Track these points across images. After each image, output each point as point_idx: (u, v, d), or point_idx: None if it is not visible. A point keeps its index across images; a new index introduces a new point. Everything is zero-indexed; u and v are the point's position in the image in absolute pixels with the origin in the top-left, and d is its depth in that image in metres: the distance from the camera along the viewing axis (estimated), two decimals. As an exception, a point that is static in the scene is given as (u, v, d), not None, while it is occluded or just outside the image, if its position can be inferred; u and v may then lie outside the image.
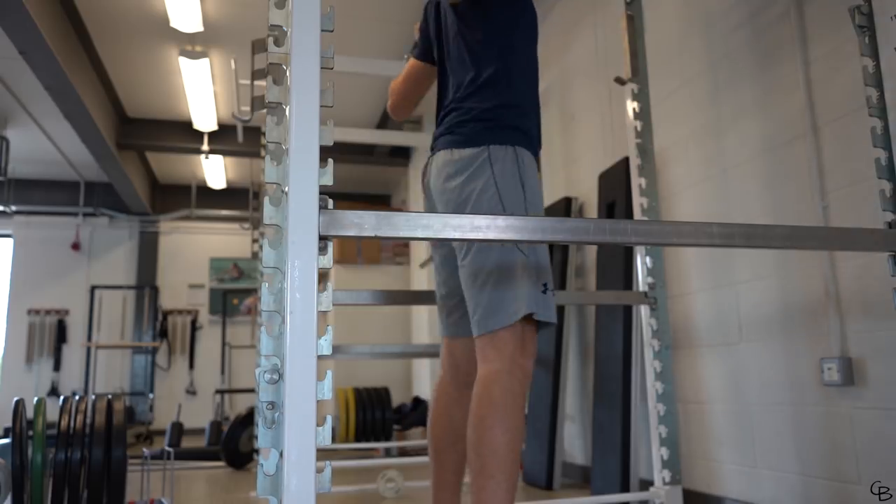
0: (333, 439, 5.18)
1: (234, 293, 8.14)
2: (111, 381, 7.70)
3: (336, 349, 3.26)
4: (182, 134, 6.34)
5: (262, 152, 3.77)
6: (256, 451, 3.88)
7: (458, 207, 1.52)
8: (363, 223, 1.07)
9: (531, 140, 1.59)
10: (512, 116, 1.56)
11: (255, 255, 5.36)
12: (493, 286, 1.46)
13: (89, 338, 7.46)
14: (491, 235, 1.16)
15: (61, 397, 2.35)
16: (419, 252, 6.08)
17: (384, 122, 6.07)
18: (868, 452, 1.80)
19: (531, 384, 3.42)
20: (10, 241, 7.87)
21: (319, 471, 0.94)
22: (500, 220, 1.17)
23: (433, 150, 1.65)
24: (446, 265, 1.67)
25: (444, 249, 1.67)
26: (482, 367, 1.44)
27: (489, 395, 1.38)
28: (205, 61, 4.98)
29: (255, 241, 5.88)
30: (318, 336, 0.97)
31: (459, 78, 1.62)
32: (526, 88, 1.61)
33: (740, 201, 2.30)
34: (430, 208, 1.65)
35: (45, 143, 6.50)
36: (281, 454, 0.94)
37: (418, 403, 5.82)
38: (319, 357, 0.97)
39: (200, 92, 5.44)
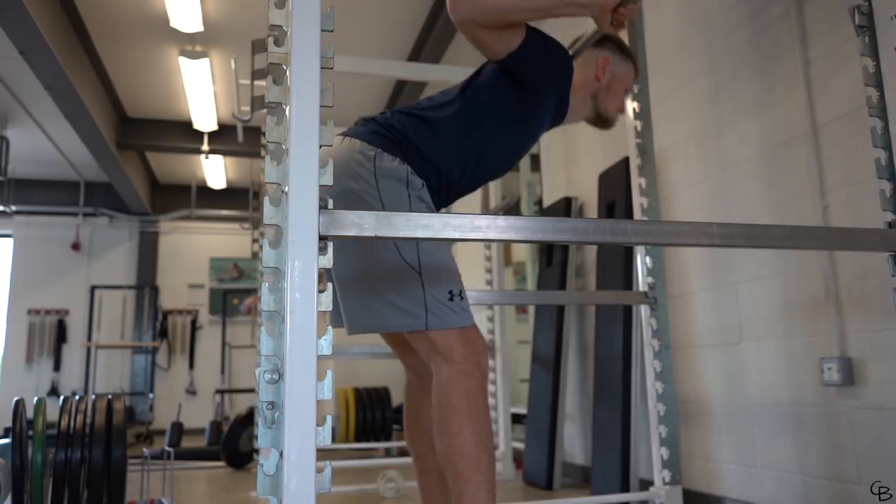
0: (333, 439, 5.18)
1: (234, 293, 8.14)
2: (111, 381, 7.70)
3: (336, 349, 3.26)
4: (182, 134, 6.34)
5: (262, 152, 3.77)
6: (256, 451, 3.88)
7: (339, 201, 1.42)
8: (363, 223, 1.07)
9: (428, 174, 1.48)
10: (414, 158, 1.47)
11: (255, 255, 5.36)
12: (380, 295, 1.39)
13: (89, 338, 7.46)
14: (491, 235, 1.16)
15: (61, 397, 2.35)
16: (419, 252, 6.06)
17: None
18: (868, 452, 1.80)
19: (531, 384, 3.42)
20: (10, 240, 7.87)
21: (319, 471, 0.94)
22: (500, 220, 1.17)
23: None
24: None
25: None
26: (434, 372, 1.40)
27: (449, 401, 1.34)
28: (205, 61, 4.98)
29: (255, 241, 5.88)
30: (318, 336, 0.97)
31: (429, 101, 1.56)
32: (458, 165, 1.51)
33: (740, 201, 2.30)
34: None
35: (45, 142, 6.50)
36: (281, 454, 0.94)
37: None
38: (319, 357, 0.97)
39: (200, 92, 5.44)
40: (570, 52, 1.68)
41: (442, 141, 1.50)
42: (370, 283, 1.42)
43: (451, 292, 1.40)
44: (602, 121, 1.71)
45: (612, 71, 1.68)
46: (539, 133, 1.64)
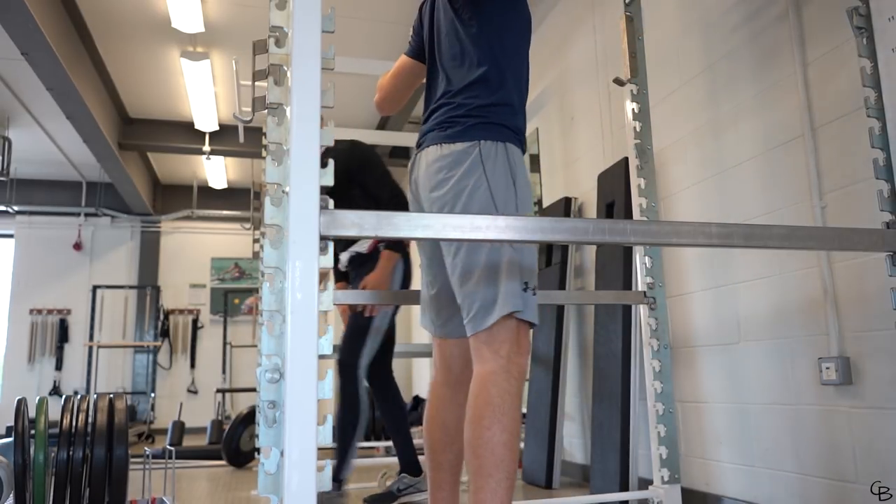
0: (334, 438, 5.18)
1: (236, 293, 8.14)
2: (113, 381, 7.71)
3: (336, 349, 3.27)
4: (183, 134, 6.35)
5: (263, 153, 3.77)
6: (257, 450, 3.88)
7: (449, 204, 1.51)
8: (363, 223, 1.08)
9: (520, 138, 1.60)
10: (503, 114, 1.56)
11: (256, 255, 5.37)
12: (485, 284, 1.45)
13: (91, 337, 7.47)
14: (491, 235, 1.17)
15: (63, 396, 2.36)
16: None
17: (384, 123, 6.08)
18: (866, 452, 1.81)
19: (531, 383, 3.42)
20: (12, 241, 7.88)
21: (320, 469, 0.95)
22: (500, 220, 1.18)
23: (420, 145, 1.64)
24: (433, 265, 1.66)
25: (430, 250, 1.66)
26: (478, 366, 1.43)
27: (486, 395, 1.38)
28: (206, 62, 4.99)
29: (256, 240, 5.89)
30: (318, 335, 0.98)
31: (450, 73, 1.62)
32: (517, 88, 1.61)
33: (739, 201, 2.30)
34: (418, 206, 1.64)
35: (47, 143, 6.51)
36: (282, 453, 0.95)
37: (418, 402, 5.83)
38: (320, 356, 0.98)
39: (201, 92, 5.45)
40: None
41: (499, 83, 1.57)
42: (485, 278, 1.47)
43: (527, 283, 1.46)
44: None
45: None
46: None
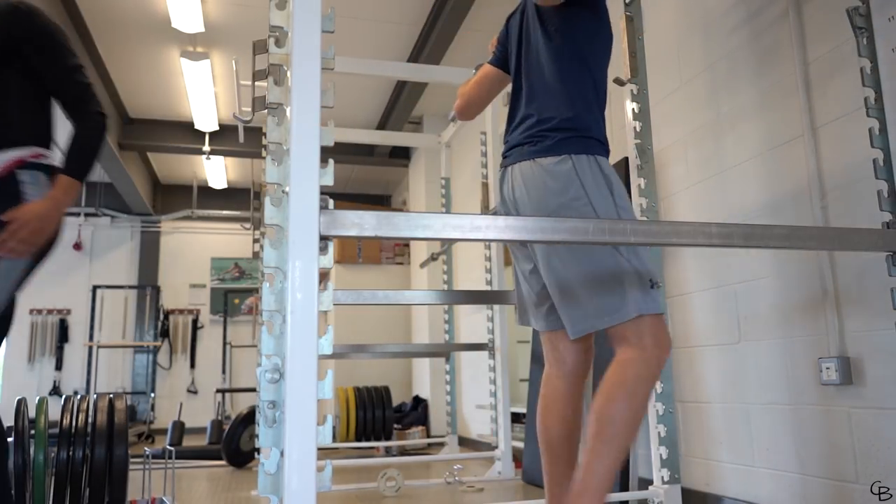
0: (334, 438, 5.19)
1: (236, 293, 8.15)
2: (113, 381, 7.71)
3: (336, 349, 3.27)
4: (183, 134, 6.36)
5: (263, 153, 3.78)
6: (257, 450, 3.89)
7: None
8: (363, 223, 1.08)
9: (606, 147, 1.62)
10: (588, 123, 1.58)
11: (256, 255, 5.37)
12: (595, 291, 1.50)
13: (91, 337, 7.47)
14: (491, 235, 1.17)
15: (63, 396, 2.36)
16: (419, 252, 6.10)
17: (384, 123, 6.09)
18: (866, 451, 1.81)
19: (531, 384, 3.42)
20: (11, 240, 7.88)
21: (320, 469, 0.95)
22: (500, 220, 1.18)
23: (507, 157, 1.67)
24: (536, 271, 1.68)
25: (527, 259, 1.68)
26: (620, 351, 1.49)
27: (622, 376, 1.43)
28: (206, 62, 4.99)
29: (256, 241, 5.89)
30: (318, 335, 0.98)
31: (535, 86, 1.65)
32: (597, 99, 1.63)
33: (739, 201, 2.30)
34: None
35: (46, 143, 6.50)
36: (282, 453, 0.95)
37: (418, 402, 5.83)
38: (320, 356, 0.98)
39: (201, 92, 5.45)
40: None
41: (581, 95, 1.60)
42: (594, 283, 1.51)
43: (651, 280, 1.51)
44: None
45: None
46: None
